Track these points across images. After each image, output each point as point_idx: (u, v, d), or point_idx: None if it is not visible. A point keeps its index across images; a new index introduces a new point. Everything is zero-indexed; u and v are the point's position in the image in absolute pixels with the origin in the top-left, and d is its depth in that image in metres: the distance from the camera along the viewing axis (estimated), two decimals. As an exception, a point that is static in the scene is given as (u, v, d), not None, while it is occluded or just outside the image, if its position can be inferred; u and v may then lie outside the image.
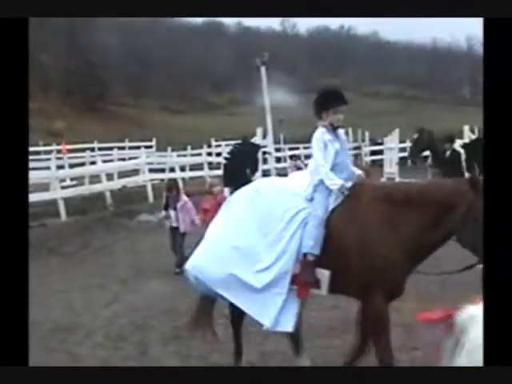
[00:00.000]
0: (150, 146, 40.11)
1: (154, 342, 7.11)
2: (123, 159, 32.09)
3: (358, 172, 5.50)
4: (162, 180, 21.01)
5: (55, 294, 9.21)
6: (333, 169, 5.24)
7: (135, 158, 28.64)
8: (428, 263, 5.15)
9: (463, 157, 14.05)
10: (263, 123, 17.60)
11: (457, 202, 4.76)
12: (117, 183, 22.03)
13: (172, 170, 25.62)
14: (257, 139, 16.27)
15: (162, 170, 25.91)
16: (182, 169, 26.26)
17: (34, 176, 16.17)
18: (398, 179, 19.48)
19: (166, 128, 55.46)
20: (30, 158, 20.39)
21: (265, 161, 17.67)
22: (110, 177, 22.37)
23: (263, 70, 17.96)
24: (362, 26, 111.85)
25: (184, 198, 10.91)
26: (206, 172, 25.19)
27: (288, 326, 5.21)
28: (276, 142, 31.67)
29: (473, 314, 3.90)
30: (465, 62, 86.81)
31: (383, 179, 20.85)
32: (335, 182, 5.16)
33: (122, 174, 23.96)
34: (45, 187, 17.91)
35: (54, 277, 10.44)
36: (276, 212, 5.29)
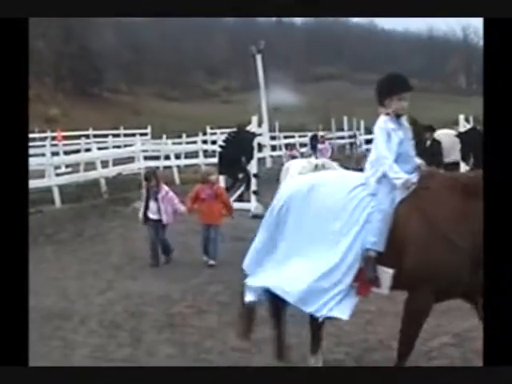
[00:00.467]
0: (145, 134, 40.10)
1: (149, 329, 7.12)
2: (118, 146, 32.02)
3: (419, 162, 5.20)
4: (158, 167, 20.97)
5: (50, 281, 9.20)
6: (396, 160, 4.94)
7: (130, 145, 28.62)
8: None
9: (443, 146, 14.08)
10: (259, 111, 17.51)
11: None
12: (112, 170, 21.98)
13: (167, 157, 25.56)
14: (252, 127, 16.22)
15: (157, 158, 25.89)
16: (177, 156, 26.21)
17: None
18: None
19: (161, 115, 55.32)
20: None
21: (260, 148, 17.57)
22: (104, 164, 22.30)
23: (259, 57, 17.87)
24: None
25: (165, 187, 10.47)
26: (201, 160, 25.17)
27: (345, 313, 4.91)
28: (271, 130, 31.71)
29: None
30: (460, 52, 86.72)
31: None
32: (400, 175, 4.86)
33: (117, 162, 23.94)
34: (40, 174, 17.84)
35: (48, 264, 10.43)
36: (336, 207, 4.97)
